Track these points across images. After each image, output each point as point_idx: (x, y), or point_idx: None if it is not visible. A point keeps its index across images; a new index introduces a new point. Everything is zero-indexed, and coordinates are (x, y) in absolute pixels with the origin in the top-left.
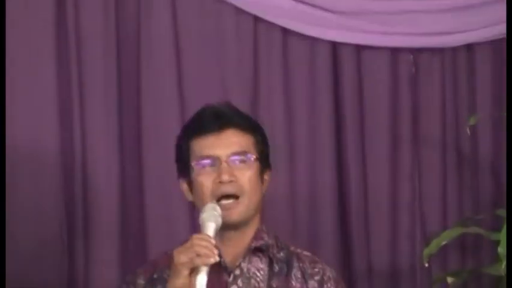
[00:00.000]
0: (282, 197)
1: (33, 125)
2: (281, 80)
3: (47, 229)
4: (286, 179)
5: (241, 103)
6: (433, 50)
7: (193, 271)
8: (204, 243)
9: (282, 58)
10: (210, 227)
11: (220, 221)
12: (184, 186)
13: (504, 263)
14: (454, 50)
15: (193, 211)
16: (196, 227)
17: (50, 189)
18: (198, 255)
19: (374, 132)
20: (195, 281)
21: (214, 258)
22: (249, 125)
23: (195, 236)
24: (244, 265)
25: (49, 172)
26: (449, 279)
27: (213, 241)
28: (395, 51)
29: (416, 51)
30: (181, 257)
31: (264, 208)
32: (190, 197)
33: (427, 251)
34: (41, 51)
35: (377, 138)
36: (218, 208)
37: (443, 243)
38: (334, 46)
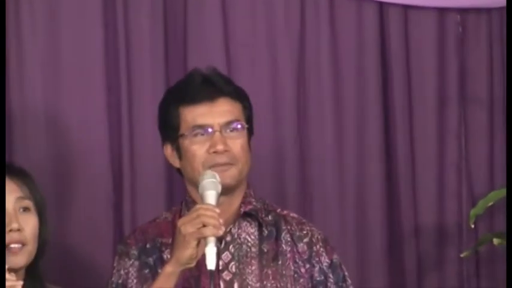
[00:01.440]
0: (330, 148)
1: (81, 91)
2: (328, 40)
3: (97, 188)
4: (332, 133)
5: (288, 63)
6: (480, 10)
7: (199, 241)
8: (209, 213)
9: (329, 19)
10: (211, 195)
11: (220, 188)
12: (169, 151)
13: None
14: (501, 10)
15: None
16: None
17: (99, 147)
18: (205, 225)
19: (421, 93)
20: (202, 252)
21: (222, 230)
22: (238, 92)
23: (201, 206)
24: (234, 231)
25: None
26: (495, 241)
27: (218, 210)
28: (442, 12)
29: (464, 12)
30: (188, 227)
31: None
32: (176, 163)
33: (473, 212)
34: (88, 15)
35: (424, 99)
36: (217, 175)
37: (490, 204)
38: (381, 6)
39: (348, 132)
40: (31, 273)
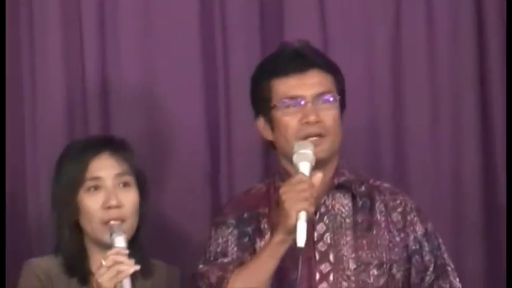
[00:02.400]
0: (426, 120)
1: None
2: (424, 11)
3: (193, 162)
4: (428, 105)
5: (384, 35)
6: None
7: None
8: (304, 186)
9: None
10: (306, 167)
11: (314, 159)
12: (261, 124)
13: None
14: None
15: None
16: None
17: (195, 121)
18: (305, 200)
19: None
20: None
21: (315, 207)
22: (330, 65)
23: (300, 179)
24: (328, 202)
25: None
26: None
27: (319, 179)
28: None
29: None
30: (289, 196)
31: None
32: (269, 136)
33: None
34: None
35: None
36: (310, 145)
37: None
38: None
39: (443, 105)
40: (133, 247)
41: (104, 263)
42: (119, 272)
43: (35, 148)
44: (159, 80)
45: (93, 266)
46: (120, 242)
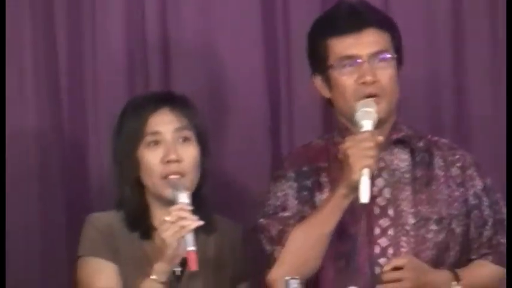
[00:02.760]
0: (486, 75)
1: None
2: None
3: (254, 116)
4: (489, 59)
5: None
6: None
7: None
8: (369, 144)
9: None
10: (369, 125)
11: (376, 117)
12: (319, 82)
13: None
14: None
15: None
16: None
17: (255, 76)
18: (369, 157)
19: None
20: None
21: (376, 164)
22: (386, 22)
23: (367, 136)
24: (387, 157)
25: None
26: None
27: (381, 138)
28: None
29: None
30: (353, 151)
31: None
32: (326, 94)
33: None
34: None
35: None
36: (372, 103)
37: None
38: None
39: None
40: (196, 203)
41: (167, 218)
42: (182, 227)
43: (96, 105)
44: (219, 36)
45: (155, 221)
46: (184, 198)
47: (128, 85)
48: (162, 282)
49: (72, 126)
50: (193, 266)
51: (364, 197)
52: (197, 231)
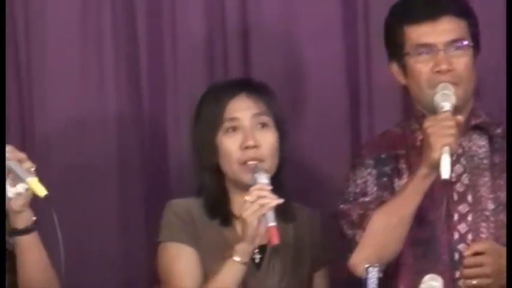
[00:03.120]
0: None
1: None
2: None
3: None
4: None
5: None
6: None
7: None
8: (449, 123)
9: None
10: (447, 106)
11: (454, 100)
12: (395, 68)
13: None
14: None
15: None
16: None
17: (334, 61)
18: (450, 135)
19: None
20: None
21: (457, 143)
22: (463, 10)
23: (447, 115)
24: (465, 143)
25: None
26: None
27: (461, 118)
28: None
29: None
30: (434, 129)
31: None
32: (402, 81)
33: None
34: None
35: None
36: (450, 87)
37: None
38: None
39: None
40: (275, 190)
41: (247, 198)
42: (261, 206)
43: (176, 92)
44: (299, 23)
45: (235, 208)
46: (263, 178)
47: (207, 71)
48: (244, 263)
49: (152, 113)
50: (274, 240)
51: (445, 173)
52: (276, 219)
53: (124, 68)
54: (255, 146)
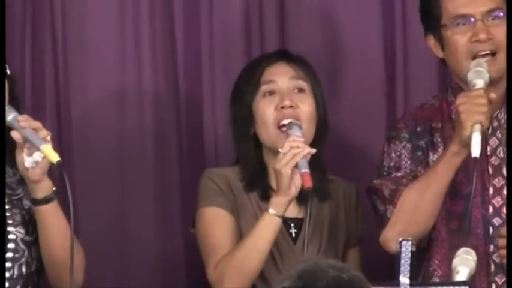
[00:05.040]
0: None
1: None
2: None
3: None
4: None
5: None
6: None
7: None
8: (481, 100)
9: None
10: (480, 83)
11: (488, 76)
12: (432, 41)
13: None
14: None
15: None
16: None
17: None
18: (481, 113)
19: None
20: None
21: (487, 121)
22: None
23: (479, 93)
24: (501, 116)
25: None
26: None
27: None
28: None
29: None
30: (464, 107)
31: None
32: (439, 54)
33: None
34: None
35: None
36: (484, 63)
37: None
38: None
39: None
40: (311, 164)
41: (280, 150)
42: (294, 155)
43: (212, 66)
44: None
45: (273, 182)
46: (296, 131)
47: (244, 47)
48: (280, 216)
49: (188, 89)
50: (307, 183)
51: (475, 151)
52: (312, 197)
53: (160, 43)
54: (291, 106)
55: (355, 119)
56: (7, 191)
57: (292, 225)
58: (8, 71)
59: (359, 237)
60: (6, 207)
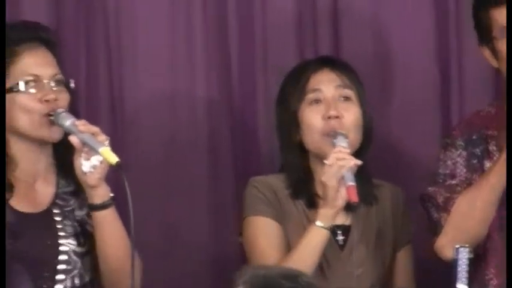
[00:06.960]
0: None
1: None
2: None
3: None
4: None
5: None
6: None
7: None
8: None
9: None
10: None
11: None
12: (487, 53)
13: None
14: None
15: None
16: None
17: (423, 45)
18: None
19: None
20: None
21: None
22: None
23: None
24: None
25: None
26: None
27: None
28: None
29: None
30: None
31: None
32: (494, 64)
33: None
34: None
35: None
36: None
37: None
38: None
39: None
40: (358, 171)
41: (325, 161)
42: (340, 167)
43: (266, 74)
44: (388, 1)
45: (319, 189)
46: (342, 141)
47: (297, 55)
48: (327, 228)
49: (242, 96)
50: (353, 197)
51: None
52: (359, 203)
53: (213, 49)
54: (337, 117)
55: (408, 128)
56: (60, 202)
57: (339, 232)
58: (72, 85)
59: (407, 240)
60: (58, 218)
